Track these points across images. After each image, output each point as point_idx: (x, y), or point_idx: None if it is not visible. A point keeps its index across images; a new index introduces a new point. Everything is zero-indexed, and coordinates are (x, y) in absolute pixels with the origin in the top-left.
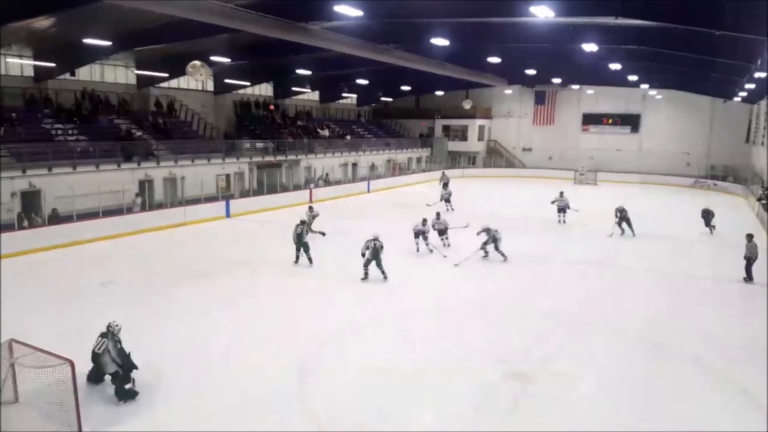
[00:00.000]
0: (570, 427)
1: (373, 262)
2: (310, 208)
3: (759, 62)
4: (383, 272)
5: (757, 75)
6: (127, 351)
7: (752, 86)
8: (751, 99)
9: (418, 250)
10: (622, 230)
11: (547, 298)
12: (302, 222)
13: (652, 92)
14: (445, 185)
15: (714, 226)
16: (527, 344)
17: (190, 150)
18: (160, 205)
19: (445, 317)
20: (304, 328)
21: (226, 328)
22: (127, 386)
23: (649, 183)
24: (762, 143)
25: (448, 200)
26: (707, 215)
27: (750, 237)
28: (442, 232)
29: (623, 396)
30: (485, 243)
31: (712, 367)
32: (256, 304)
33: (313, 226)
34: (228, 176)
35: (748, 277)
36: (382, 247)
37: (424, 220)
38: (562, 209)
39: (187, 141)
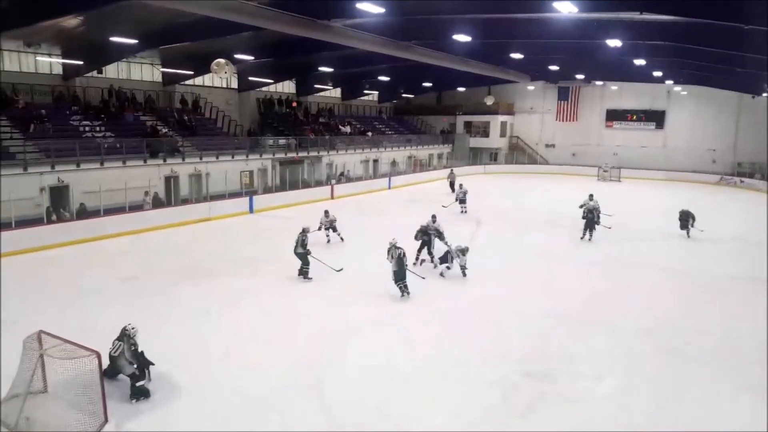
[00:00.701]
0: (572, 427)
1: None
2: (326, 212)
3: None
4: (402, 288)
5: None
6: (140, 350)
7: None
8: None
9: (418, 264)
10: (585, 234)
11: (549, 298)
12: (303, 231)
13: (677, 88)
14: (452, 184)
15: (690, 229)
16: (528, 344)
17: (215, 146)
18: (186, 201)
19: (445, 317)
20: (304, 328)
21: (227, 327)
22: (138, 384)
23: (674, 180)
24: None
25: (463, 200)
26: (686, 217)
27: None
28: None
29: (626, 396)
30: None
31: (715, 367)
32: (257, 304)
33: (332, 230)
34: (251, 172)
35: None
36: (404, 254)
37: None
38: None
39: (212, 137)
